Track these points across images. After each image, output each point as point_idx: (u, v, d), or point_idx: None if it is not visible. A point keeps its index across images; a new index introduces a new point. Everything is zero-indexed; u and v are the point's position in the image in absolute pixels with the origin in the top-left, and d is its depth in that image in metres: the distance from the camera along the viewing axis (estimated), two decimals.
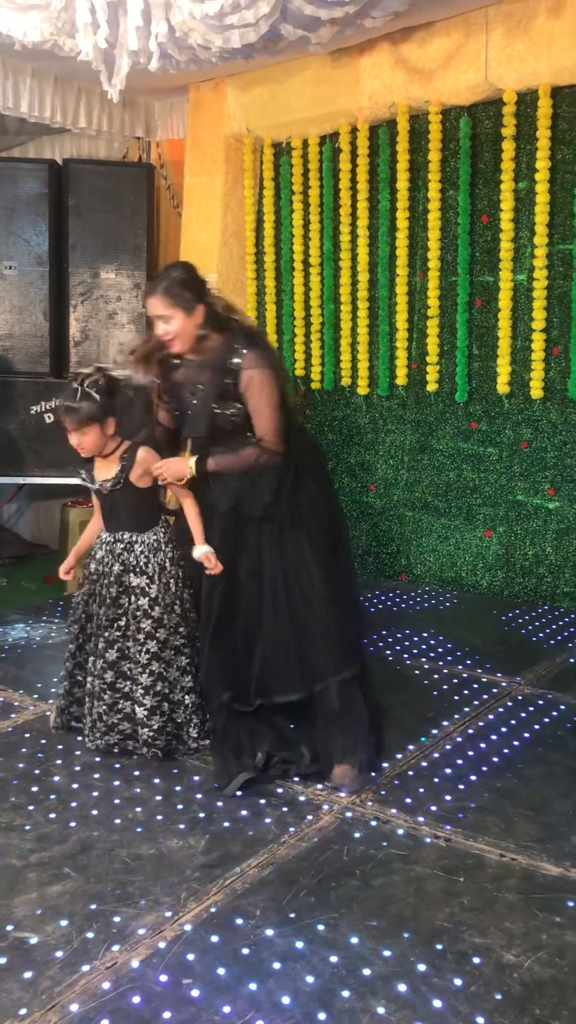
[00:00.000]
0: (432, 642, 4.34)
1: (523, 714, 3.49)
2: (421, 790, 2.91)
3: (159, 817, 2.76)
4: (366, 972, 2.06)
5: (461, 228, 5.00)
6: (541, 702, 3.61)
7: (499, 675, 3.90)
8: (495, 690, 3.74)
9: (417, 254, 5.23)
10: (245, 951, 2.13)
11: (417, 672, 3.97)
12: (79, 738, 3.27)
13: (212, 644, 3.21)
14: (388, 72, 5.04)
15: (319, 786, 2.95)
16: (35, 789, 2.93)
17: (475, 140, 4.95)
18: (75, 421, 3.03)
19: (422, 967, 2.08)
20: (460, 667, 4.01)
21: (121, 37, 3.85)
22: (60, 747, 3.24)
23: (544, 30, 4.48)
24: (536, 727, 3.38)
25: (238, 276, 5.96)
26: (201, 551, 3.16)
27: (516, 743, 3.24)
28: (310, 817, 2.75)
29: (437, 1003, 1.96)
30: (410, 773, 3.03)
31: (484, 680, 3.85)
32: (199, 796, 2.90)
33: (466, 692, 3.72)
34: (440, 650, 4.23)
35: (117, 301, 5.93)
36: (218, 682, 3.17)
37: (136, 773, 3.04)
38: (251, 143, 5.75)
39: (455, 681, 3.85)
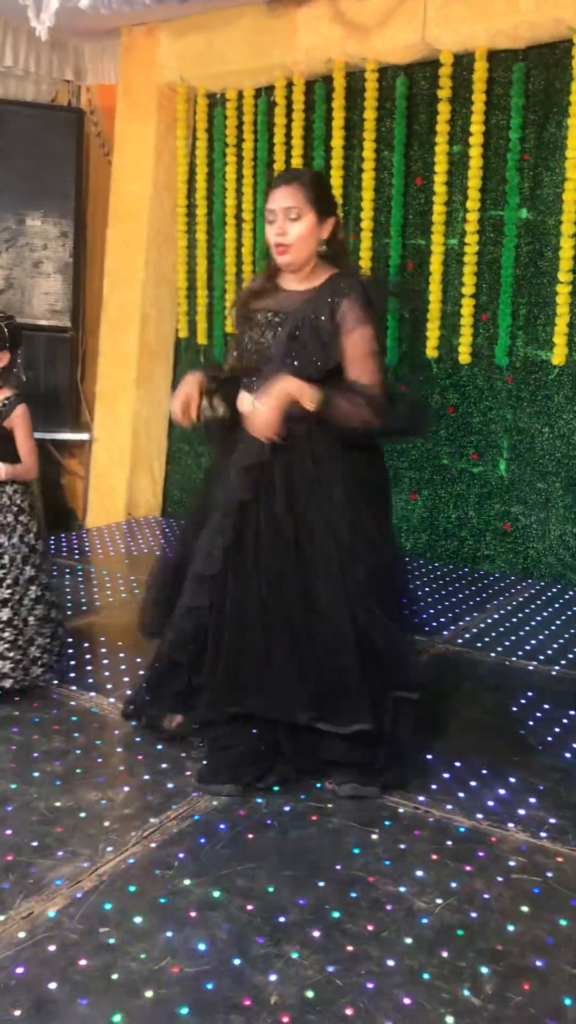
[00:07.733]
0: None
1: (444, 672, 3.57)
2: None
3: (78, 771, 2.75)
4: (281, 919, 2.10)
5: (395, 190, 4.99)
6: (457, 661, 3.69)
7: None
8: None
9: (350, 214, 5.20)
10: (162, 900, 2.15)
11: None
12: None
13: (235, 629, 2.63)
14: (326, 26, 4.97)
15: None
16: None
17: (411, 101, 4.93)
18: None
19: (336, 914, 2.13)
20: None
21: None
22: None
23: None
24: (453, 687, 3.46)
25: (169, 229, 5.86)
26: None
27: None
28: None
29: (350, 947, 2.01)
30: None
31: None
32: (120, 750, 2.89)
33: None
34: None
35: (43, 249, 5.77)
36: (234, 685, 2.64)
37: (56, 727, 3.02)
38: (184, 92, 5.63)
39: None
